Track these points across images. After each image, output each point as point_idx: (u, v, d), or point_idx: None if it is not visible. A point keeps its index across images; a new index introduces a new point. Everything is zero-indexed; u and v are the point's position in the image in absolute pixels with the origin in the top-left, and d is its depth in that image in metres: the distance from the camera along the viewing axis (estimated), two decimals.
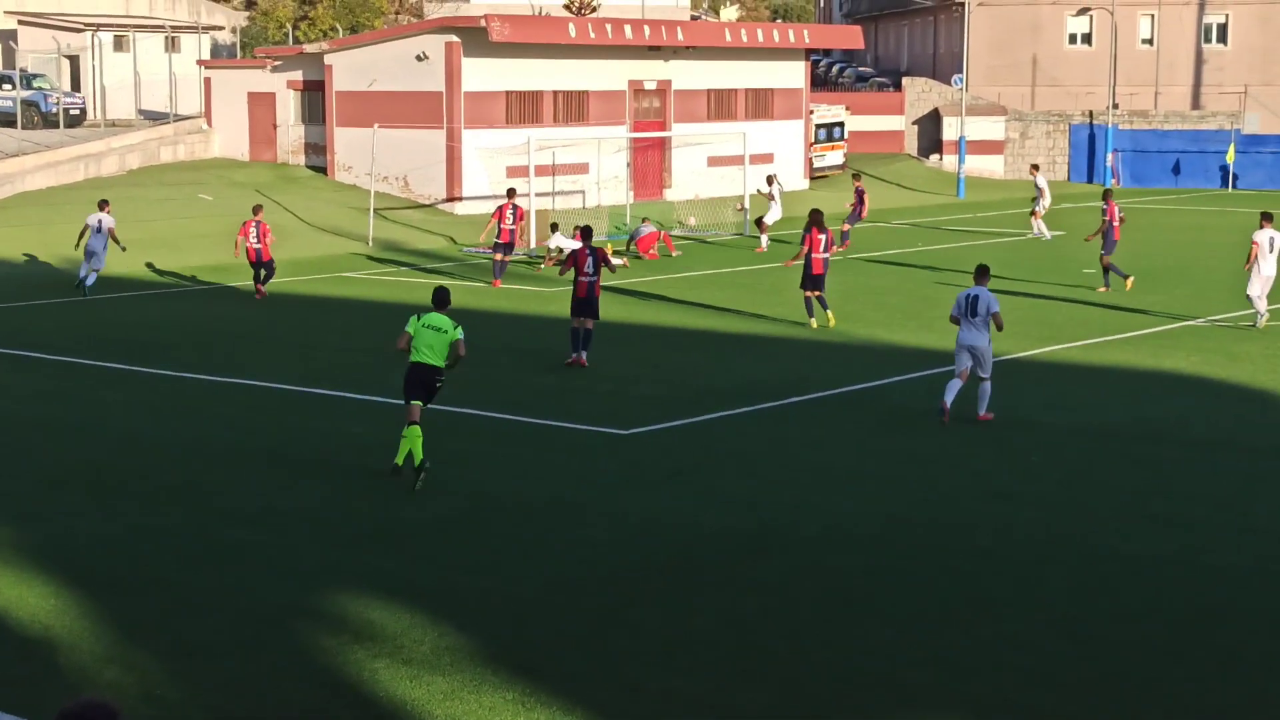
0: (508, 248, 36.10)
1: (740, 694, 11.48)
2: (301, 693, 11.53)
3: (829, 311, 29.13)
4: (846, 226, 42.89)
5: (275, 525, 16.08)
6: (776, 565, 14.69)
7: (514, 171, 46.89)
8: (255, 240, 33.48)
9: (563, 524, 16.07)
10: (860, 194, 44.11)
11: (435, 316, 18.02)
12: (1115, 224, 34.11)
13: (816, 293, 29.02)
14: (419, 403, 17.85)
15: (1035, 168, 46.58)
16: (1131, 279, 33.50)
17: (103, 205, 35.95)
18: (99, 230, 34.63)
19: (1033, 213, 45.68)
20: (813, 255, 28.91)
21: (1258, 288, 28.42)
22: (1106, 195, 35.44)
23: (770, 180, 46.17)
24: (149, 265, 39.01)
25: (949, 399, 20.81)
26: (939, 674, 11.88)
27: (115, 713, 6.35)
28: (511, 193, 37.32)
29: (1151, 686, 11.65)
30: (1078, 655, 12.26)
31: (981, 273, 21.55)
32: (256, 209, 34.95)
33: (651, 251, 41.62)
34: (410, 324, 17.97)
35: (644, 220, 43.57)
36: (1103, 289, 33.58)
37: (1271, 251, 28.43)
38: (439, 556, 14.96)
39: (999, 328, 21.06)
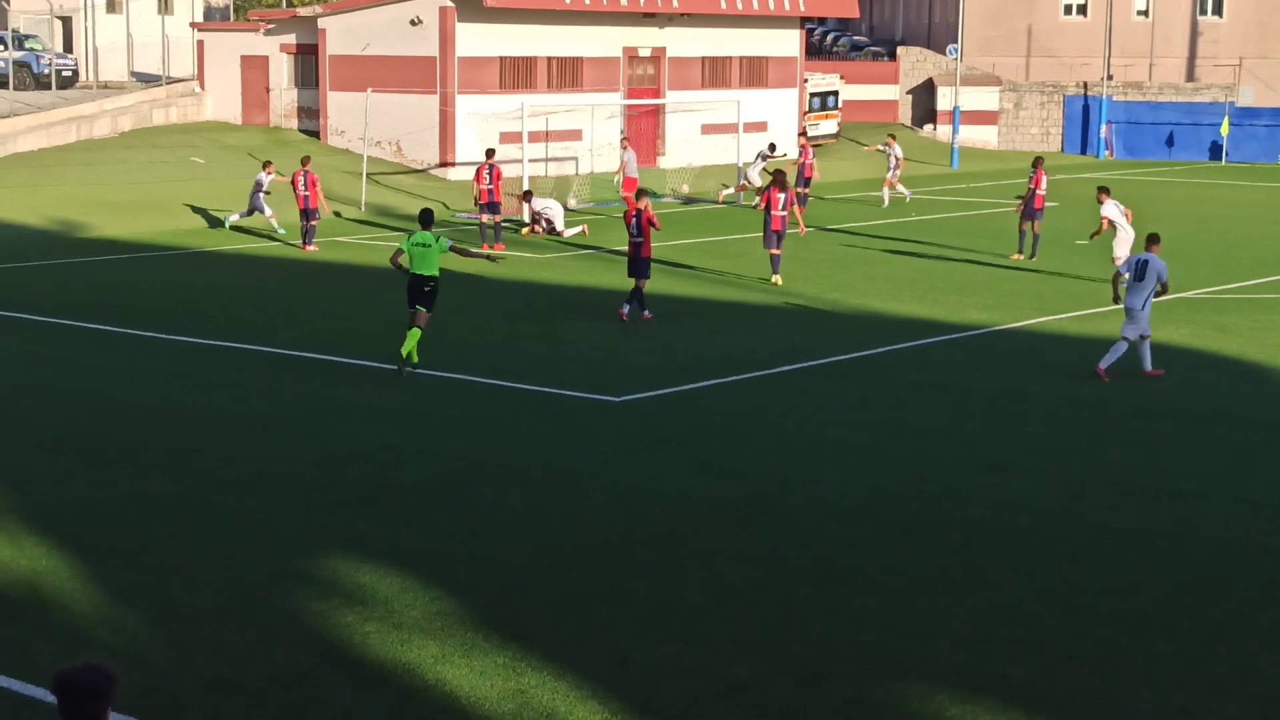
0: (489, 208, 36.24)
1: (729, 663, 11.49)
2: (292, 657, 11.54)
3: (776, 274, 30.35)
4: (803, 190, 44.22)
5: (265, 490, 16.07)
6: (766, 535, 14.70)
7: (507, 137, 46.78)
8: (304, 189, 35.65)
9: (553, 491, 16.07)
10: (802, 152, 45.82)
11: (422, 234, 21.76)
12: (1039, 192, 34.38)
13: (775, 250, 30.31)
14: (419, 308, 21.48)
15: (892, 137, 48.09)
16: (1021, 256, 34.27)
17: (266, 165, 38.50)
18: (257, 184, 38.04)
19: (886, 181, 47.04)
20: (771, 213, 30.06)
21: (1124, 249, 30.18)
22: (1036, 163, 35.63)
23: (772, 148, 47.02)
24: (214, 218, 38.92)
25: (1109, 361, 21.60)
26: (929, 645, 11.90)
27: (114, 678, 6.32)
28: (490, 153, 37.52)
29: (1142, 658, 11.68)
30: (1068, 627, 12.28)
31: (1152, 239, 22.38)
32: (304, 160, 36.95)
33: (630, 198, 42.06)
34: (402, 242, 21.92)
35: (624, 140, 44.47)
36: (1016, 255, 34.41)
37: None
38: (429, 522, 14.96)
39: (1165, 291, 22.16)
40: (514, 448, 17.82)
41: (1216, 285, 30.60)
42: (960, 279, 31.39)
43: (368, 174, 45.49)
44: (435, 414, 19.55)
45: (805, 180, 44.05)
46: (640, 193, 27.22)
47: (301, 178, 35.69)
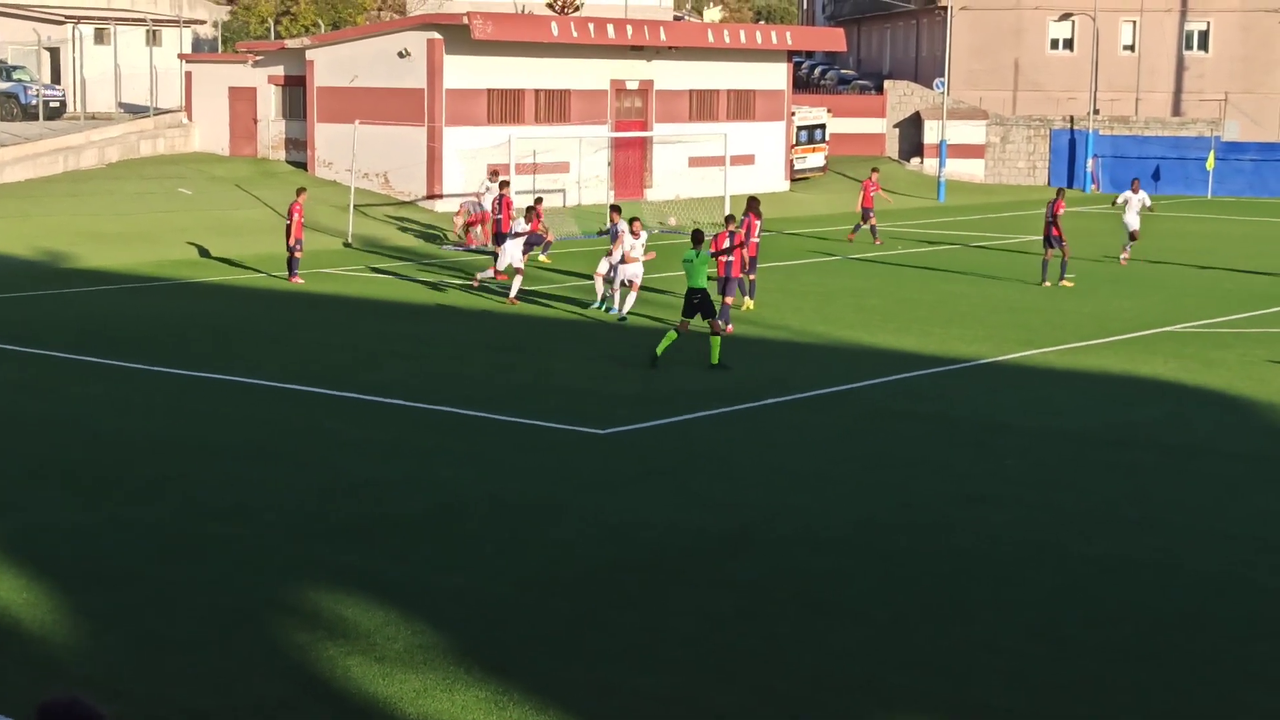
0: (498, 238, 36.66)
1: (714, 694, 11.44)
2: (273, 688, 11.46)
3: (750, 299, 31.21)
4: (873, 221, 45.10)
5: (249, 521, 16.00)
6: (752, 566, 14.66)
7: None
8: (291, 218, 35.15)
9: (538, 523, 16.01)
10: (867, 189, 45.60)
11: (689, 252, 24.82)
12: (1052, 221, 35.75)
13: (750, 276, 31.12)
14: (686, 318, 24.63)
15: (499, 179, 41.04)
16: (1048, 284, 35.48)
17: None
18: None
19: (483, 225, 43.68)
20: (749, 239, 30.74)
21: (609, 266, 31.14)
22: (1059, 193, 37.14)
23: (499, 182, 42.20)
24: (213, 251, 38.88)
25: None
26: (913, 676, 11.85)
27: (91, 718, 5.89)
28: (504, 185, 38.08)
29: (1126, 690, 11.64)
30: (1052, 658, 12.24)
31: None
32: (298, 191, 36.28)
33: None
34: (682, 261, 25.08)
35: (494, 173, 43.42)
36: (1045, 283, 35.64)
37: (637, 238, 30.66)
38: (413, 554, 14.89)
39: None
40: (499, 480, 17.77)
41: (1204, 319, 30.63)
42: (946, 312, 31.41)
43: (355, 206, 45.48)
44: (420, 446, 19.50)
45: (865, 210, 45.08)
46: (731, 218, 29.38)
47: (298, 209, 35.23)
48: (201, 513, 16.25)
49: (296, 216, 35.08)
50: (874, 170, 48.10)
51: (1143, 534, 15.87)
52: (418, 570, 14.33)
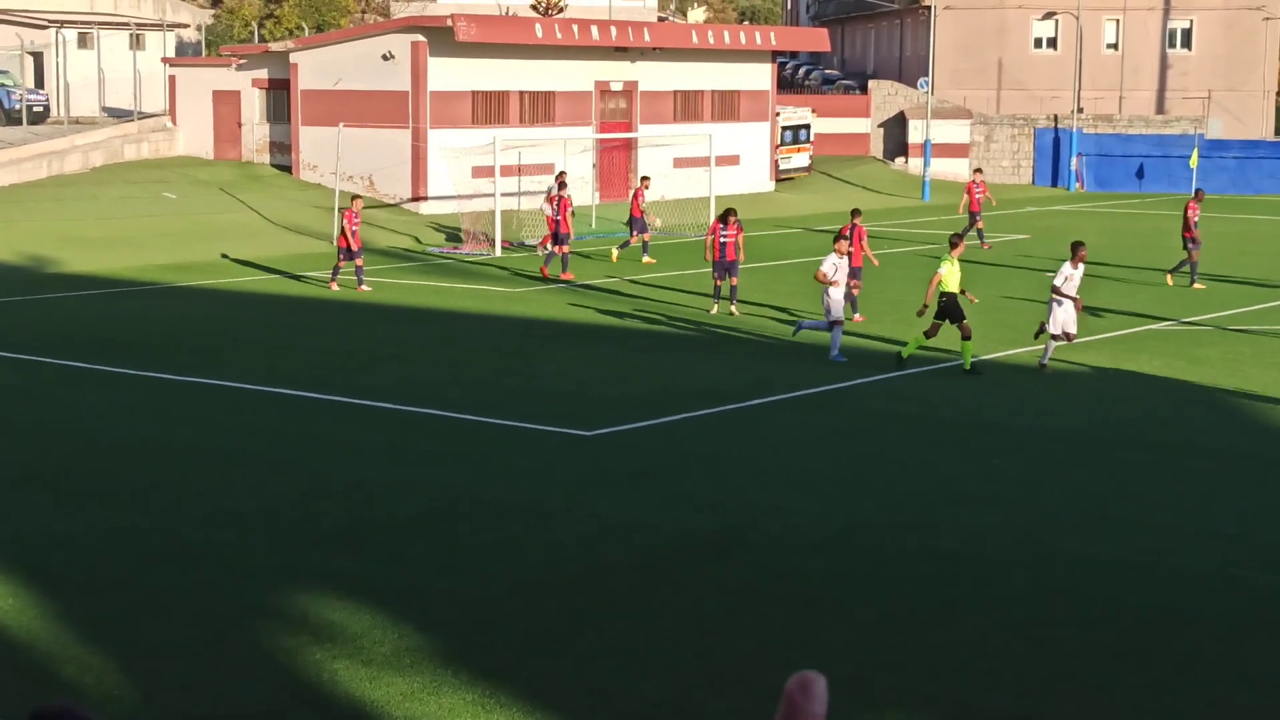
0: (558, 239, 36.76)
1: (704, 696, 11.46)
2: (261, 693, 11.47)
3: (722, 302, 31.19)
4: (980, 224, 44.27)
5: (236, 526, 15.99)
6: (740, 567, 14.68)
7: (480, 171, 46.85)
8: (344, 227, 34.50)
9: (526, 525, 16.02)
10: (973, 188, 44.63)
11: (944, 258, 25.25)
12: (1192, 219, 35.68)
13: (733, 280, 31.05)
14: (937, 321, 25.05)
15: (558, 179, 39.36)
16: (1198, 287, 35.38)
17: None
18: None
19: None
20: (726, 242, 30.99)
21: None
22: (1197, 194, 36.96)
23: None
24: (228, 253, 38.80)
25: None
26: (901, 676, 11.89)
27: None
28: (562, 185, 37.88)
29: (1112, 689, 11.68)
30: (1039, 657, 12.28)
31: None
32: (353, 199, 35.71)
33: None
34: None
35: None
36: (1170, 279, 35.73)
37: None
38: (401, 557, 14.89)
39: None
40: (487, 482, 17.77)
41: (1187, 316, 30.70)
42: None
43: (340, 209, 45.40)
44: (409, 449, 19.50)
45: (972, 214, 44.16)
46: (855, 211, 30.99)
47: (351, 218, 34.49)
48: (190, 518, 16.24)
49: (341, 227, 34.41)
50: (977, 170, 47.70)
51: (1129, 532, 15.91)
52: (406, 573, 14.34)
